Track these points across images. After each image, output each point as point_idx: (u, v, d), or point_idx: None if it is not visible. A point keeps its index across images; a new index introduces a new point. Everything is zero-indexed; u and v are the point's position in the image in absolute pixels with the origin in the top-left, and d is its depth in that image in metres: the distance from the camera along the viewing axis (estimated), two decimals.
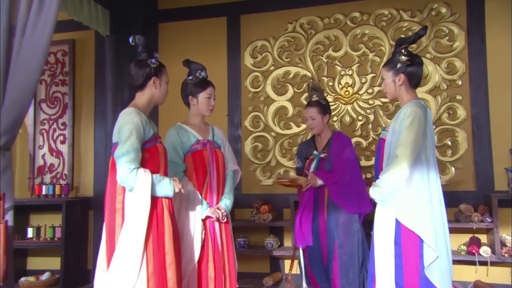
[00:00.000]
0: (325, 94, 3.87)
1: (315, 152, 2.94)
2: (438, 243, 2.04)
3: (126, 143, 1.94)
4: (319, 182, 2.81)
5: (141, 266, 1.90)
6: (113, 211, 1.98)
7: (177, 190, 2.05)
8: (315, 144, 2.99)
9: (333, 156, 2.83)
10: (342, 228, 2.72)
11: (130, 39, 2.14)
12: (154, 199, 1.98)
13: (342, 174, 2.77)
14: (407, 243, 2.04)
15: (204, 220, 2.40)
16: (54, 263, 4.08)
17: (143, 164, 1.99)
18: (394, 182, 2.04)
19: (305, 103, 3.93)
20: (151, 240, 1.94)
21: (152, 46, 4.24)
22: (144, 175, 1.93)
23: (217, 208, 2.42)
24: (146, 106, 2.14)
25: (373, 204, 2.23)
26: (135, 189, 1.93)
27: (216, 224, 2.42)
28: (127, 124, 1.97)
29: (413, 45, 3.57)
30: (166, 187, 2.01)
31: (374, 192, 2.12)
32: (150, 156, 2.04)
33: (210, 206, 2.42)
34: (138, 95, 2.15)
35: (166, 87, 2.21)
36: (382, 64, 2.33)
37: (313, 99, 2.95)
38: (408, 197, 2.05)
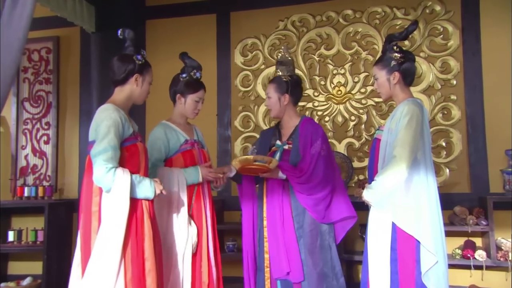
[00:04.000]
0: (316, 94, 3.83)
1: (277, 142, 2.49)
2: (436, 247, 1.96)
3: (104, 141, 1.82)
4: (280, 175, 2.33)
5: (119, 273, 1.79)
6: (89, 215, 1.86)
7: (158, 192, 1.93)
8: (279, 132, 2.53)
9: (301, 149, 2.37)
10: (309, 238, 2.32)
11: (119, 32, 2.05)
12: (134, 201, 1.86)
13: (312, 173, 2.30)
14: (403, 248, 1.96)
15: (197, 225, 2.30)
16: (36, 267, 3.93)
17: (122, 163, 1.87)
18: (391, 184, 1.95)
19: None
20: (130, 246, 1.83)
21: (140, 43, 4.20)
22: (123, 175, 1.82)
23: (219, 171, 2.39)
24: (125, 102, 2.03)
25: (368, 207, 2.13)
26: (113, 190, 1.81)
27: (210, 228, 2.34)
28: (105, 121, 1.86)
29: (407, 43, 3.55)
30: (146, 188, 1.89)
31: (369, 195, 2.02)
32: (130, 155, 1.92)
33: (199, 210, 2.32)
34: (117, 90, 2.04)
35: (148, 88, 2.10)
36: (374, 62, 2.23)
37: (276, 75, 2.55)
38: (406, 200, 1.96)
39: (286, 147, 2.43)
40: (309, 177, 2.30)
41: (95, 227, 1.84)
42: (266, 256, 2.40)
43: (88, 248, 1.84)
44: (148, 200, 1.93)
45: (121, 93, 2.03)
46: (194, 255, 2.27)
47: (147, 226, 1.89)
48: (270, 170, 2.30)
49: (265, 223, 2.43)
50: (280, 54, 2.60)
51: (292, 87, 2.46)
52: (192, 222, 2.29)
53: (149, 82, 2.10)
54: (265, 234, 2.42)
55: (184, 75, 2.40)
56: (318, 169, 2.32)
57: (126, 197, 1.81)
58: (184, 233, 2.23)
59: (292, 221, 2.36)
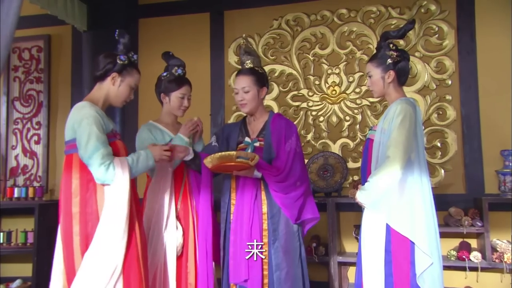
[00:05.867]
0: (310, 94, 3.80)
1: (246, 139, 2.30)
2: (431, 249, 1.93)
3: (91, 140, 1.77)
4: (256, 173, 2.15)
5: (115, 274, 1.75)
6: (69, 217, 1.80)
7: (157, 159, 1.96)
8: (246, 129, 2.35)
9: (274, 146, 2.22)
10: (284, 240, 2.17)
11: (116, 33, 2.01)
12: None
13: (290, 171, 2.17)
14: (398, 250, 1.93)
15: (183, 225, 2.26)
16: (26, 269, 3.87)
17: None
18: (386, 185, 1.91)
19: (291, 102, 3.84)
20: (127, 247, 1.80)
21: (133, 42, 4.13)
22: (122, 175, 1.79)
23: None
24: (102, 101, 1.97)
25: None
26: (113, 188, 1.79)
27: (197, 228, 2.29)
28: (84, 119, 1.80)
29: (402, 43, 3.53)
30: (143, 160, 1.91)
31: (362, 196, 1.98)
32: None
33: (186, 211, 2.28)
34: (96, 87, 2.00)
35: (126, 90, 2.01)
36: (368, 59, 2.19)
37: (246, 66, 2.29)
38: (400, 201, 1.93)
39: (257, 144, 2.25)
40: (287, 175, 2.16)
41: (76, 230, 1.78)
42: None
43: (71, 252, 1.78)
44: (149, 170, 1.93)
45: (98, 91, 1.99)
46: (180, 256, 2.23)
47: (137, 228, 1.85)
48: (250, 167, 2.12)
49: (231, 225, 2.23)
50: (243, 43, 2.39)
51: (266, 80, 2.34)
52: (178, 224, 2.25)
53: (130, 85, 2.02)
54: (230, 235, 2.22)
55: (165, 74, 2.39)
56: (295, 166, 2.19)
57: (125, 198, 1.79)
58: (170, 235, 2.20)
59: (262, 224, 2.19)
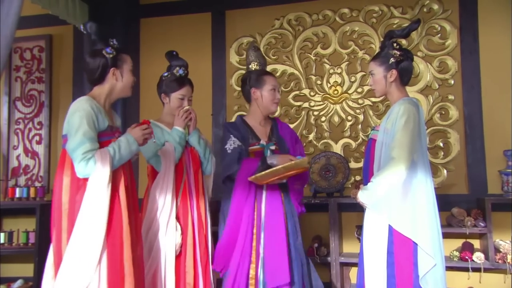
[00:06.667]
0: (312, 94, 3.79)
1: (262, 142, 2.33)
2: (434, 250, 1.91)
3: (78, 133, 1.75)
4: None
5: (96, 274, 1.72)
6: (59, 213, 1.79)
7: (141, 141, 1.88)
8: (251, 131, 2.36)
9: (291, 151, 2.33)
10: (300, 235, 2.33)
11: (82, 27, 1.98)
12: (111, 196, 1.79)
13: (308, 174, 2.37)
14: (401, 252, 1.91)
15: (182, 225, 2.25)
16: (27, 270, 3.87)
17: None
18: (389, 185, 1.90)
19: (293, 102, 3.82)
20: (107, 246, 1.77)
21: (134, 42, 4.15)
22: (102, 167, 1.75)
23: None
24: (104, 97, 1.95)
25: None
26: (90, 183, 1.75)
27: (197, 228, 2.28)
28: (77, 112, 1.78)
29: (404, 42, 3.51)
30: (125, 147, 1.83)
31: (364, 196, 1.97)
32: None
33: (185, 210, 2.27)
34: (95, 88, 1.97)
35: (130, 76, 1.99)
36: (372, 58, 2.18)
37: (260, 67, 2.41)
38: (403, 202, 1.91)
39: (273, 147, 2.31)
40: (306, 177, 2.34)
41: (65, 227, 1.77)
42: (253, 265, 2.20)
43: (59, 248, 1.77)
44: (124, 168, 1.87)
45: (100, 89, 1.96)
46: (178, 255, 2.22)
47: (125, 225, 1.82)
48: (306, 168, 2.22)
49: (263, 225, 2.22)
50: (252, 43, 2.47)
51: None
52: (177, 224, 2.24)
53: (129, 70, 1.99)
54: (262, 240, 2.21)
55: (166, 74, 2.38)
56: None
57: (105, 191, 1.76)
58: (169, 234, 2.19)
59: (287, 224, 2.26)
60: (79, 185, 1.80)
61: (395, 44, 2.07)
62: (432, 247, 1.89)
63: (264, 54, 2.48)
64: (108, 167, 1.77)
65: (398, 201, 1.92)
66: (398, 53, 2.05)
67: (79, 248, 1.72)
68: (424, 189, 1.95)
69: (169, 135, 2.33)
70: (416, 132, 1.94)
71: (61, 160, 1.84)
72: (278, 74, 3.85)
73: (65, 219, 1.77)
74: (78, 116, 1.77)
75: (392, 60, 2.05)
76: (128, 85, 2.00)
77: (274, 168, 2.09)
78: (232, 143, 2.27)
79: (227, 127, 2.39)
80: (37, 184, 4.13)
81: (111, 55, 1.92)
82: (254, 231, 2.23)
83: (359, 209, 2.18)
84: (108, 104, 1.97)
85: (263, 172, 2.09)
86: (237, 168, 2.21)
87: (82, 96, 1.90)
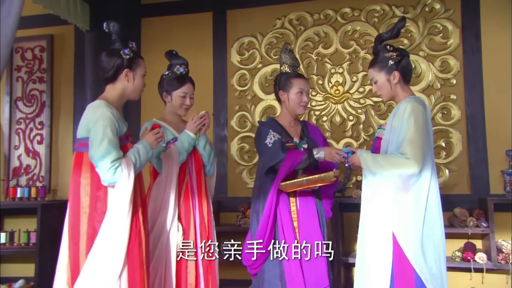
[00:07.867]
0: (314, 93, 3.78)
1: (295, 140, 2.40)
2: (436, 250, 1.91)
3: (103, 142, 1.75)
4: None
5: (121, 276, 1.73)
6: (77, 217, 1.79)
7: (154, 145, 1.93)
8: (284, 130, 2.42)
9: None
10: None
11: (104, 25, 1.98)
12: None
13: None
14: (402, 252, 1.89)
15: (184, 225, 2.25)
16: (29, 270, 3.87)
17: None
18: (399, 170, 1.89)
19: None
20: (130, 249, 1.78)
21: (135, 41, 4.12)
22: (129, 176, 1.78)
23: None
24: (117, 100, 1.95)
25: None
26: (117, 188, 1.77)
27: (198, 228, 2.27)
28: (100, 120, 1.77)
29: (406, 42, 3.51)
30: (144, 154, 1.88)
31: (367, 158, 1.99)
32: None
33: (187, 210, 2.26)
34: (108, 87, 1.97)
35: (141, 81, 2.01)
36: (369, 66, 2.17)
37: (298, 70, 2.48)
38: (405, 203, 1.91)
39: (305, 145, 2.38)
40: (336, 183, 2.43)
41: (84, 230, 1.77)
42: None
43: (77, 251, 1.77)
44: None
45: (112, 90, 1.96)
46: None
47: (143, 236, 1.84)
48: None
49: (295, 224, 2.30)
50: (286, 44, 2.53)
51: None
52: (179, 225, 2.24)
53: (142, 75, 2.01)
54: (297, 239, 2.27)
55: (167, 72, 2.38)
56: None
57: (128, 199, 1.78)
58: (172, 235, 2.18)
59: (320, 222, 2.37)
60: (100, 187, 1.79)
61: (388, 47, 2.07)
62: (413, 251, 1.87)
63: (296, 56, 2.51)
64: (132, 175, 1.79)
65: (401, 202, 1.91)
66: (394, 54, 2.05)
67: (106, 254, 1.73)
68: (433, 187, 1.94)
69: (172, 136, 2.32)
70: (425, 131, 1.93)
71: (76, 162, 1.83)
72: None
73: (84, 222, 1.77)
74: (102, 124, 1.76)
75: (390, 62, 2.04)
76: (138, 89, 2.00)
77: (298, 180, 2.22)
78: (272, 137, 2.33)
79: (263, 124, 2.45)
80: (38, 184, 4.12)
81: (127, 57, 1.93)
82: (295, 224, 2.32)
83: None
84: (120, 107, 1.97)
85: (288, 182, 2.21)
86: (283, 157, 2.25)
87: (97, 101, 1.89)
